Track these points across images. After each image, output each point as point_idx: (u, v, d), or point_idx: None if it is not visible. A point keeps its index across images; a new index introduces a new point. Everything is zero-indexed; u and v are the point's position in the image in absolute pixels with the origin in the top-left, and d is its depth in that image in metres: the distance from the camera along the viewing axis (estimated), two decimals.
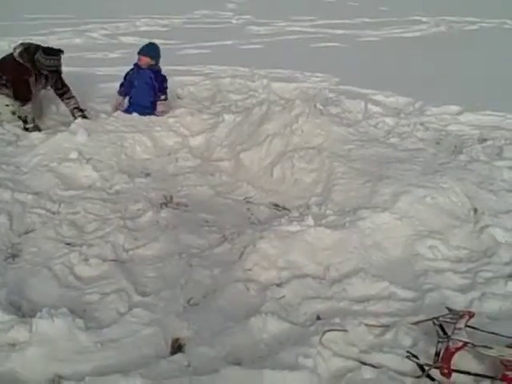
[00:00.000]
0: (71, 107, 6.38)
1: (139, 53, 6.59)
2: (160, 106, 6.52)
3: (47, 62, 6.00)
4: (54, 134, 5.65)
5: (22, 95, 6.03)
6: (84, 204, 4.54)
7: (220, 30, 12.46)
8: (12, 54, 6.03)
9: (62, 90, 6.40)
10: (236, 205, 4.78)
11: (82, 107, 6.43)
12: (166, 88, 6.63)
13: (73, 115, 6.31)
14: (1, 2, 12.84)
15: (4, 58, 6.12)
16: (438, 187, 4.40)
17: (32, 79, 6.07)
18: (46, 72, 6.10)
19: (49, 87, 6.39)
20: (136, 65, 6.62)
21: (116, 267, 3.70)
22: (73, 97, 6.42)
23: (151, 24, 12.55)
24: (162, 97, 6.59)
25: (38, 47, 6.05)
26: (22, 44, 6.09)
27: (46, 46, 6.19)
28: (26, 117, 6.05)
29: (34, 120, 6.10)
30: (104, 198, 4.71)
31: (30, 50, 6.01)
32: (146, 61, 6.53)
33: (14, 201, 4.42)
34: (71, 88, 6.46)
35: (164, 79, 6.61)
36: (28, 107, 6.05)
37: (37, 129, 6.03)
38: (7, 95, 6.05)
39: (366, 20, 14.21)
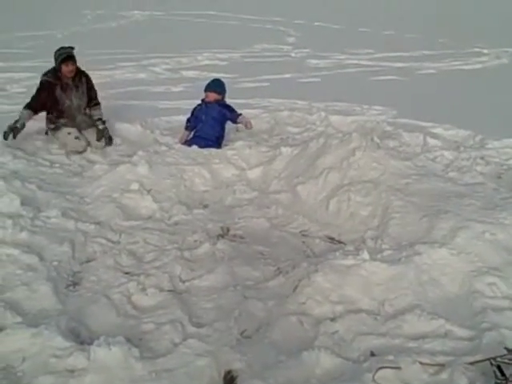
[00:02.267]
0: (95, 117, 6.71)
1: (206, 90, 6.82)
2: (243, 119, 6.75)
3: (60, 51, 6.34)
4: (116, 166, 5.82)
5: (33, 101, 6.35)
6: (143, 234, 4.67)
7: (279, 63, 12.59)
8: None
9: (93, 102, 6.76)
10: (291, 237, 4.80)
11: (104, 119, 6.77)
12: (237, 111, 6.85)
13: (95, 125, 6.66)
14: (67, 39, 13.42)
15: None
16: (498, 223, 4.29)
17: (58, 91, 6.41)
18: (64, 68, 6.34)
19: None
20: (203, 101, 6.83)
21: (172, 297, 3.78)
22: (99, 108, 6.79)
23: (212, 58, 12.79)
24: (239, 113, 6.79)
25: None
26: None
27: None
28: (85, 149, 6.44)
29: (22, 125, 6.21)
30: (163, 229, 4.82)
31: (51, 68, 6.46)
32: (213, 96, 6.76)
33: (76, 230, 4.60)
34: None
35: (231, 107, 6.82)
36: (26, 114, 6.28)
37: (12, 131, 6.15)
38: (64, 125, 6.47)
39: (424, 52, 14.10)
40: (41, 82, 6.39)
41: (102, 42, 14.02)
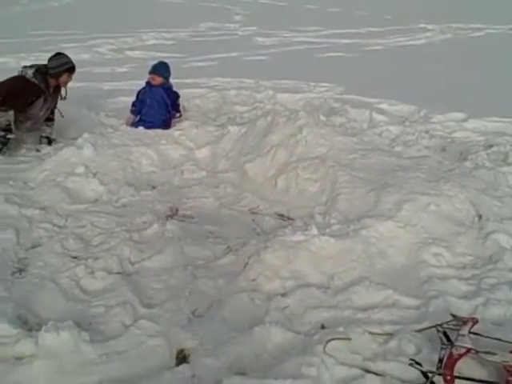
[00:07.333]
0: (42, 134, 6.19)
1: (151, 72, 6.71)
2: (176, 125, 6.65)
3: (62, 60, 5.94)
4: (60, 149, 5.69)
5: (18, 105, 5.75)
6: (90, 218, 4.58)
7: (226, 42, 12.53)
8: (19, 76, 5.80)
9: (50, 116, 6.27)
10: (241, 216, 4.80)
11: (52, 137, 6.26)
12: (179, 105, 6.77)
13: (39, 141, 6.16)
14: (8, 19, 13.00)
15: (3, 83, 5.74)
16: (442, 194, 4.39)
17: (40, 100, 5.94)
18: (64, 78, 5.98)
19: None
20: (148, 83, 6.72)
21: (122, 280, 3.72)
22: (50, 126, 6.28)
23: (158, 38, 12.63)
24: (177, 114, 6.74)
25: (44, 65, 5.95)
26: (30, 66, 5.92)
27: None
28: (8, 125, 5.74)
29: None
30: (110, 212, 4.75)
31: (41, 69, 5.87)
32: (158, 80, 6.65)
33: (21, 216, 4.48)
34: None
35: (176, 96, 6.74)
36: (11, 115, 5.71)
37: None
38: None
39: (371, 29, 14.23)
40: (28, 81, 5.77)
41: (44, 22, 13.67)
